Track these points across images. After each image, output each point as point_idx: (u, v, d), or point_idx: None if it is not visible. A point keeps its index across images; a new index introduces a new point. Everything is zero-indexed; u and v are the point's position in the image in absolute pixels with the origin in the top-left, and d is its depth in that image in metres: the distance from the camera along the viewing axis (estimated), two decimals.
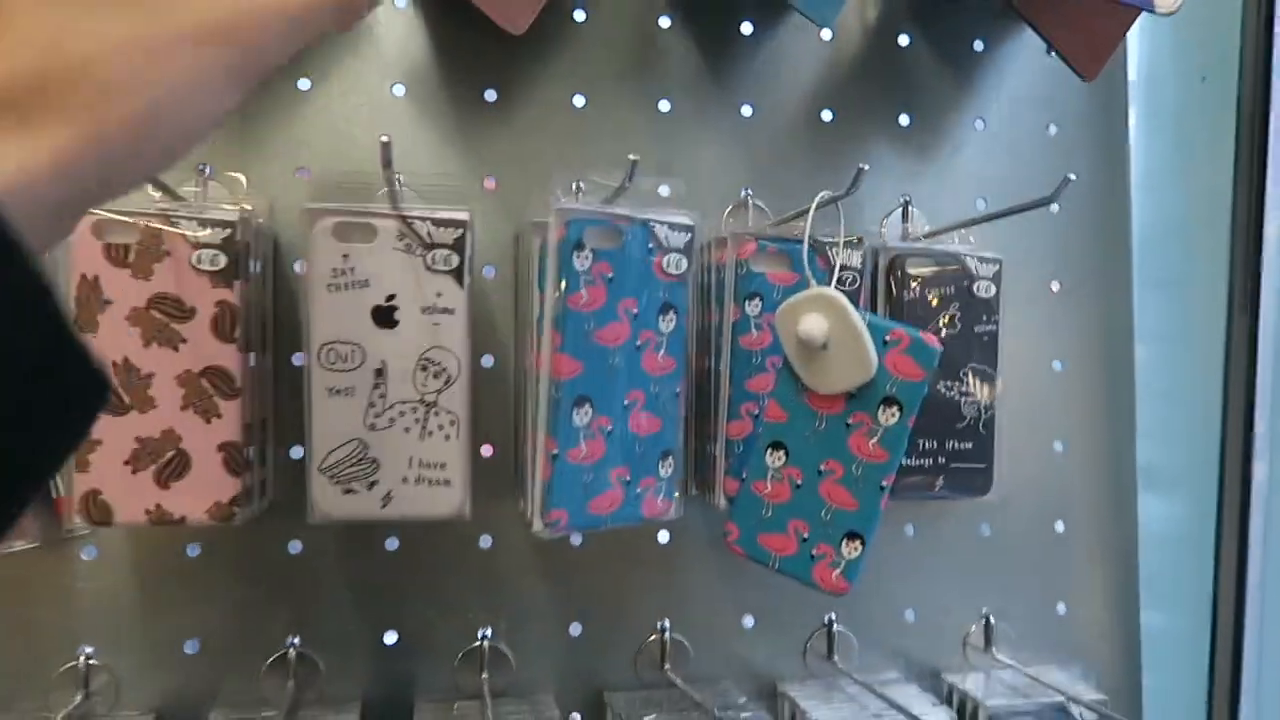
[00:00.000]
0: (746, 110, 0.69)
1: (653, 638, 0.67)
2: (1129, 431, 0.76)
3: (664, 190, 0.67)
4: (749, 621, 0.69)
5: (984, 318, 0.65)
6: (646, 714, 0.62)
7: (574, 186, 0.66)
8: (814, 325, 0.52)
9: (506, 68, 0.66)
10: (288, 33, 0.31)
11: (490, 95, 0.65)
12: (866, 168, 0.51)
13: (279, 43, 0.31)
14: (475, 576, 0.65)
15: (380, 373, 0.55)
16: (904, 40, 0.72)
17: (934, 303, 0.63)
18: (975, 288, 0.64)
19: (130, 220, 0.52)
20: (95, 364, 0.26)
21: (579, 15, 0.67)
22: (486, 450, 0.64)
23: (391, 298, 0.55)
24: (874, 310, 0.64)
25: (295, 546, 0.62)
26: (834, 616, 0.70)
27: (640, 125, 0.68)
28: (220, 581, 0.61)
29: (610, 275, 0.52)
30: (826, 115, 0.71)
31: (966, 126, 0.73)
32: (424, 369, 0.55)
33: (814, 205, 0.53)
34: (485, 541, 0.64)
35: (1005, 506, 0.72)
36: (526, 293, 0.60)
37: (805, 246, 0.54)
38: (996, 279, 0.65)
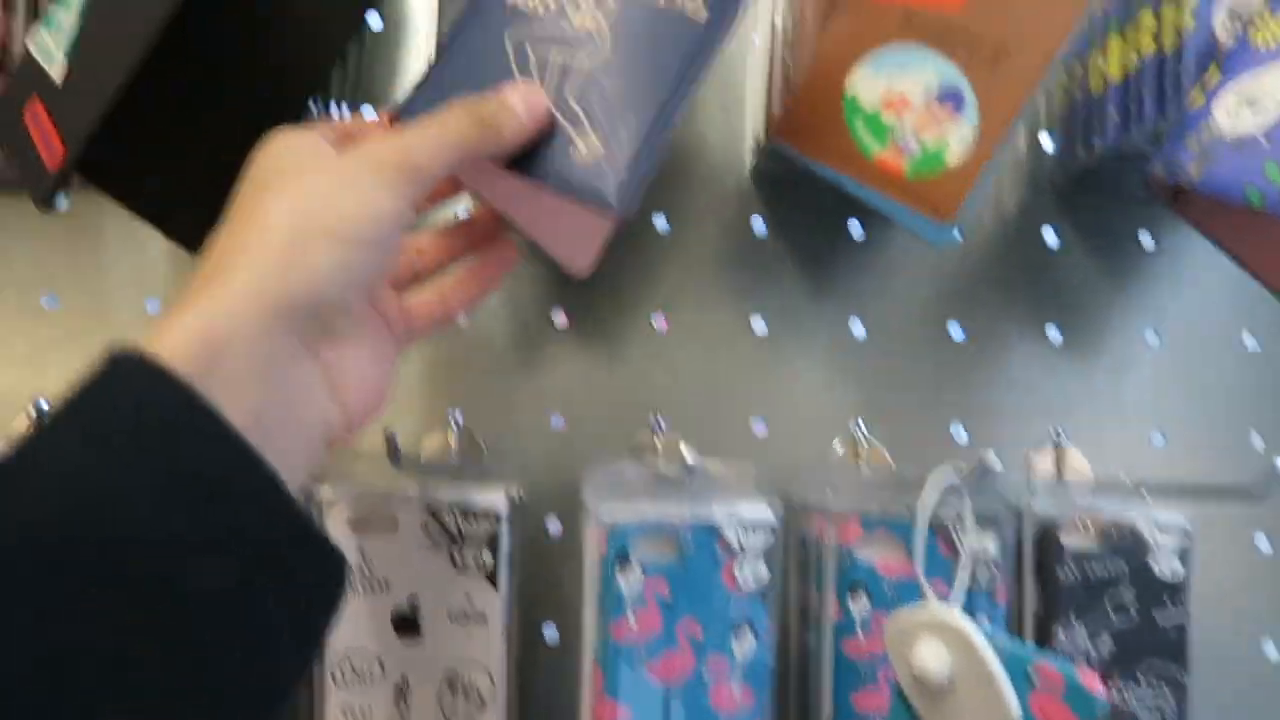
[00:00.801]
0: (858, 328, 0.59)
1: None
2: None
3: (759, 429, 0.57)
4: None
5: (1168, 603, 0.50)
6: None
7: (652, 427, 0.57)
8: (932, 660, 0.40)
9: (575, 287, 0.58)
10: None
11: (559, 319, 0.58)
12: (999, 468, 0.39)
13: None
14: None
15: (401, 691, 0.46)
16: (1050, 238, 0.60)
17: (1099, 585, 0.50)
18: (1155, 564, 0.50)
19: None
20: (330, 545, 0.28)
21: (659, 223, 0.59)
22: None
23: (414, 600, 0.46)
24: (1021, 593, 0.51)
25: None
26: None
27: (730, 349, 0.59)
28: None
29: (667, 596, 0.42)
30: (956, 331, 0.59)
31: (1134, 341, 0.60)
32: (451, 687, 0.46)
33: (928, 493, 0.41)
34: None
35: None
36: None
37: (919, 543, 0.42)
38: (1184, 554, 0.50)
